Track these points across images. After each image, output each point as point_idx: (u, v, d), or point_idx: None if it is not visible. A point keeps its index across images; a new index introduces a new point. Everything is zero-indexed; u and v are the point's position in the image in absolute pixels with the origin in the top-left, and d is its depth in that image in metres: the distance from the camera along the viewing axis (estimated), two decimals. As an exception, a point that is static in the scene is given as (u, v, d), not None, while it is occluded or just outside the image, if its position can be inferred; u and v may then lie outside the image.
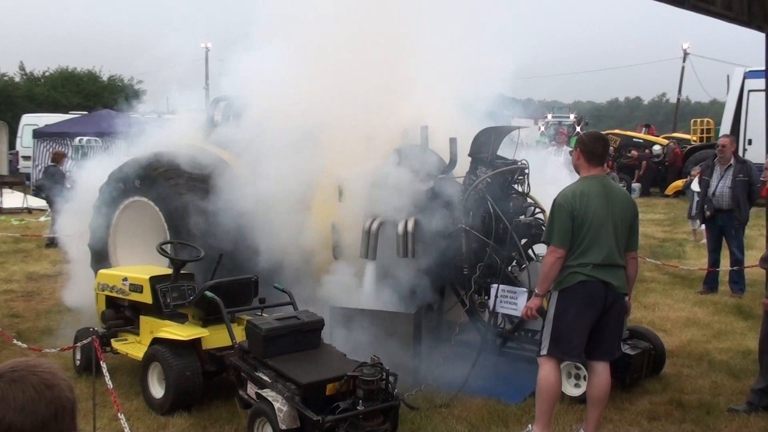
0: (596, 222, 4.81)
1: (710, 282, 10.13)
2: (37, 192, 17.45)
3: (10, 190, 21.62)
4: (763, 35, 6.71)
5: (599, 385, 4.98)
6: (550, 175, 7.21)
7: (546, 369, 4.94)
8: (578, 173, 5.09)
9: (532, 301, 5.12)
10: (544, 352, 4.97)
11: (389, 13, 7.53)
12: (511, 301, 6.10)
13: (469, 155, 6.78)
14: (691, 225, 15.31)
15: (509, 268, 6.41)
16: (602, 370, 4.99)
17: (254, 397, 5.07)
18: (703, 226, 10.94)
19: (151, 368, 5.92)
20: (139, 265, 7.22)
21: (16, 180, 23.50)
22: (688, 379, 6.50)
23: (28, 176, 24.57)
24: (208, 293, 5.86)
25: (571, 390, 5.87)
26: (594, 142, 5.06)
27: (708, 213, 9.88)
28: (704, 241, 14.50)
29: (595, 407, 5.02)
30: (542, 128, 27.31)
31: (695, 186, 12.74)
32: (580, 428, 5.20)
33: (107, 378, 5.09)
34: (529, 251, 6.63)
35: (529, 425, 5.13)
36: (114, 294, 6.69)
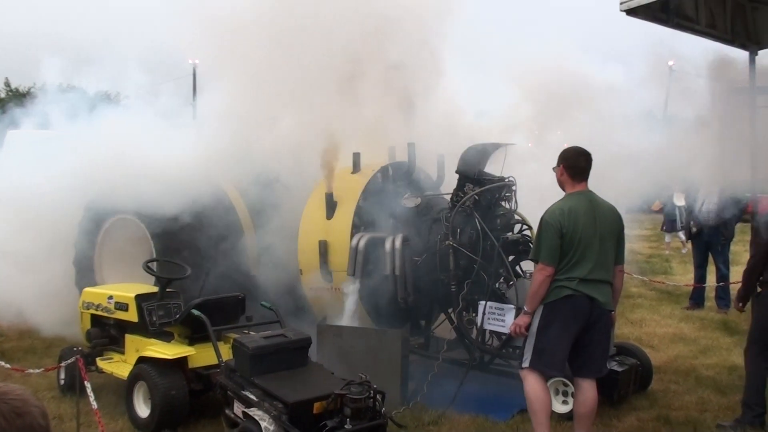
0: (584, 239, 4.81)
1: (696, 298, 10.19)
2: None
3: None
4: (746, 54, 6.79)
5: (586, 403, 4.96)
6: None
7: (530, 382, 4.91)
8: (563, 189, 5.09)
9: (520, 318, 5.09)
10: (526, 364, 4.94)
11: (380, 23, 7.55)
12: (499, 318, 6.09)
13: (457, 172, 6.79)
14: (666, 238, 15.50)
15: (497, 284, 6.41)
16: (588, 387, 4.97)
17: (241, 415, 5.02)
18: (680, 238, 11.06)
19: (137, 387, 5.86)
20: (124, 283, 7.17)
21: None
22: (675, 395, 6.51)
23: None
24: (195, 311, 5.82)
25: (559, 407, 5.87)
26: (576, 158, 5.00)
27: (694, 229, 9.95)
28: (666, 245, 14.77)
29: (581, 424, 5.00)
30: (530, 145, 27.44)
31: (677, 200, 12.86)
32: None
33: (92, 398, 5.04)
34: (517, 268, 6.64)
35: None
36: (99, 312, 6.64)
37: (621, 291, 5.29)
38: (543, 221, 4.90)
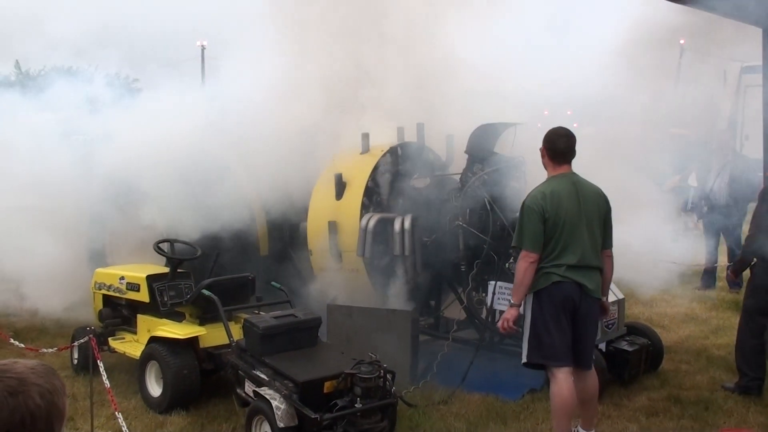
0: (569, 223, 4.62)
1: (708, 278, 10.14)
2: None
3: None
4: (760, 30, 6.70)
5: (586, 389, 4.84)
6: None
7: (555, 381, 4.68)
8: (547, 171, 4.89)
9: (508, 312, 4.86)
10: (525, 359, 4.77)
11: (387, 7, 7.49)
12: (509, 298, 6.08)
13: (466, 152, 6.77)
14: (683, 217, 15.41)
15: (506, 264, 6.40)
16: (585, 375, 4.84)
17: (252, 395, 5.06)
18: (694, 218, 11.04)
19: (149, 367, 5.91)
20: (135, 264, 7.20)
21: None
22: (686, 375, 6.50)
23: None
24: (205, 291, 5.85)
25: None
26: (556, 140, 4.77)
27: (705, 209, 9.90)
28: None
29: (586, 407, 4.90)
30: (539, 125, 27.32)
31: (692, 180, 12.77)
32: (576, 424, 5.17)
33: (104, 377, 5.08)
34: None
35: None
36: (111, 293, 6.69)
37: (611, 278, 5.06)
38: (524, 206, 4.70)
